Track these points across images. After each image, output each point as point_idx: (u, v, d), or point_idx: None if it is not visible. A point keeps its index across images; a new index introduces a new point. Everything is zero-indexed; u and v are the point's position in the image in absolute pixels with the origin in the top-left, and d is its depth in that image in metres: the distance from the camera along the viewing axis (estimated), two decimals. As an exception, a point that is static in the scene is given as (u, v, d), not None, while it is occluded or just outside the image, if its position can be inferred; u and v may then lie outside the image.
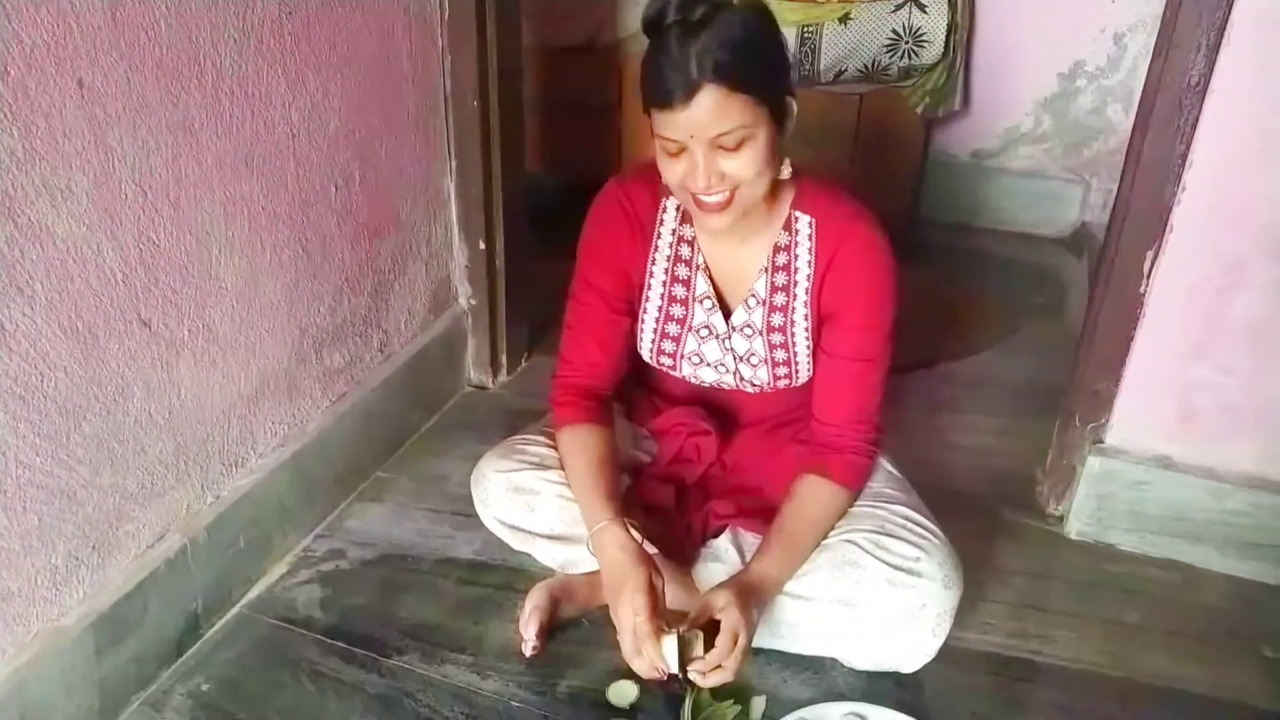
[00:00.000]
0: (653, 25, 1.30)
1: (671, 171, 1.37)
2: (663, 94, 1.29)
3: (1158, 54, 1.64)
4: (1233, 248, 1.64)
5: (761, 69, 1.32)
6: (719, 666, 1.36)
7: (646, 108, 1.34)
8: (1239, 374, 1.71)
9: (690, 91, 1.27)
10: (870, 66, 2.80)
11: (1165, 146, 1.63)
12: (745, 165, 1.34)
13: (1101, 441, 1.84)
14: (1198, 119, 1.59)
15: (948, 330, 2.66)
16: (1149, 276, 1.70)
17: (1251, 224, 1.61)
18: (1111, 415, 1.82)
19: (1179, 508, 1.80)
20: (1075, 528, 1.89)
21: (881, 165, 2.95)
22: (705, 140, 1.31)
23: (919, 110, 2.89)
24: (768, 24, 1.35)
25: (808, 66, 2.79)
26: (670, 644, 1.36)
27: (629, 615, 1.39)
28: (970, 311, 2.78)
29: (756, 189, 1.38)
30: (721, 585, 1.43)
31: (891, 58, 2.79)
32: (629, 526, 1.47)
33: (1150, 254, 1.69)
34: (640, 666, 1.39)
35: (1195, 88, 1.57)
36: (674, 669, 1.37)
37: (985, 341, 2.62)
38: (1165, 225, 1.66)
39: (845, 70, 2.81)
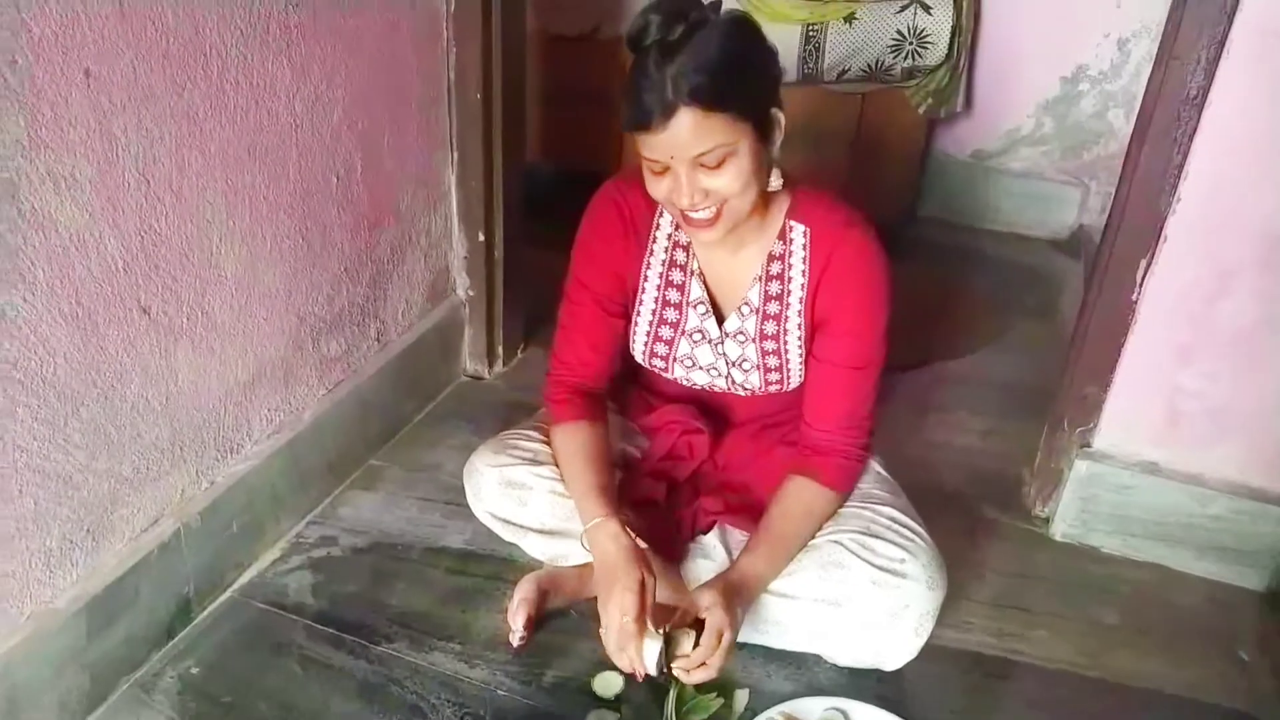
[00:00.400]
0: (634, 44, 1.31)
1: (657, 189, 1.39)
2: (641, 117, 1.31)
3: (1158, 65, 1.65)
4: (1224, 258, 1.66)
5: (740, 86, 1.32)
6: (704, 664, 1.39)
7: (627, 128, 1.35)
8: (1225, 381, 1.73)
9: (667, 114, 1.29)
10: (874, 66, 2.80)
11: (1162, 157, 1.64)
12: (729, 182, 1.35)
13: (1089, 445, 1.86)
14: (1195, 131, 1.60)
15: (942, 329, 2.67)
16: (1141, 284, 1.72)
17: (1244, 235, 1.63)
18: (1100, 420, 1.84)
19: (1162, 512, 1.82)
20: (1060, 529, 1.92)
21: (883, 163, 2.96)
22: (686, 160, 1.32)
23: (921, 110, 2.90)
24: (749, 38, 1.36)
25: (812, 65, 2.80)
26: (652, 647, 1.39)
27: (617, 614, 1.41)
28: (965, 311, 2.80)
29: (743, 204, 1.39)
30: (707, 584, 1.45)
31: (895, 58, 2.79)
32: (624, 524, 1.49)
33: (1144, 262, 1.71)
34: (622, 663, 1.42)
35: (1194, 100, 1.59)
36: (653, 671, 1.39)
37: (978, 341, 2.64)
38: (1160, 235, 1.68)
39: (849, 70, 2.81)
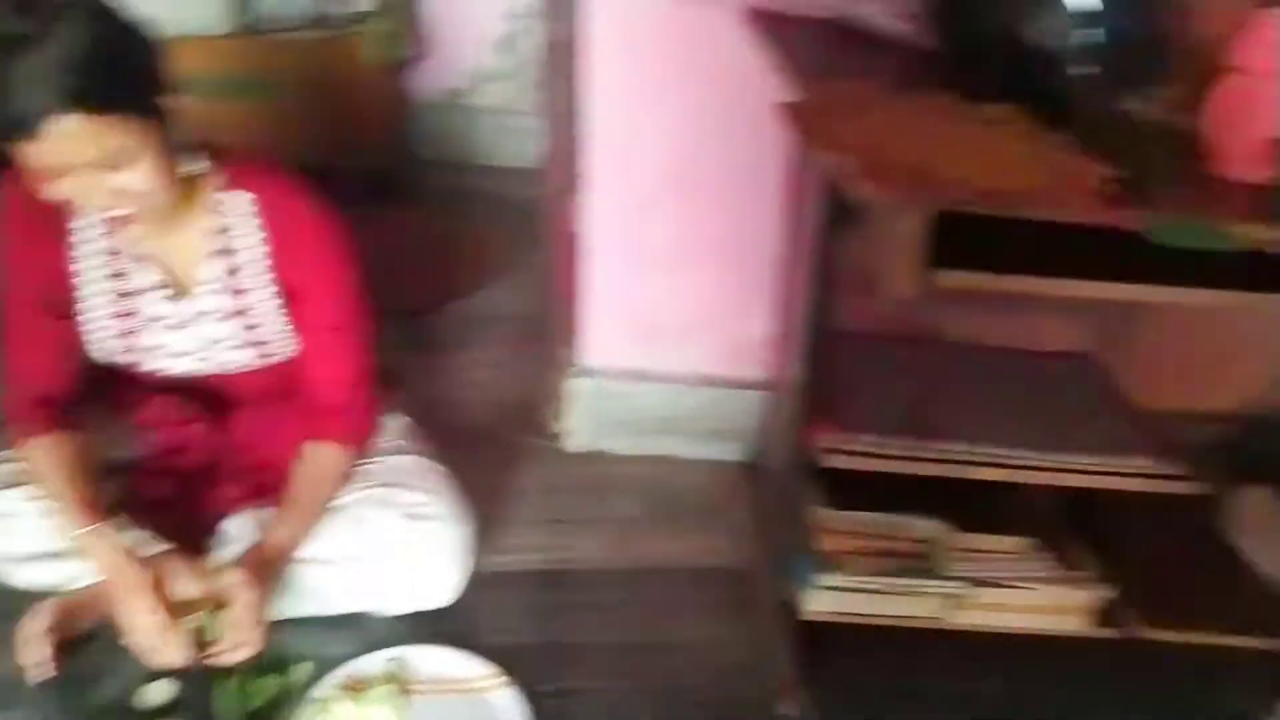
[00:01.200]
0: None
1: (58, 193, 1.24)
2: (13, 126, 1.13)
3: (547, 17, 1.80)
4: (640, 187, 1.86)
5: (122, 80, 1.20)
6: (242, 643, 1.39)
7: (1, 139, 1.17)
8: (673, 292, 1.97)
9: (45, 123, 1.13)
10: (309, 14, 2.77)
11: (564, 97, 1.79)
12: (139, 179, 1.26)
13: (579, 363, 2.04)
14: (573, 74, 1.75)
15: (450, 270, 2.75)
16: (577, 217, 1.89)
17: (653, 163, 1.83)
18: (582, 339, 2.02)
19: (653, 410, 2.06)
20: (574, 442, 2.10)
21: (357, 111, 2.92)
22: (81, 166, 1.20)
23: (371, 59, 2.87)
24: (118, 24, 1.23)
25: (248, 16, 2.71)
26: (192, 626, 1.39)
27: (141, 614, 1.37)
28: (468, 249, 2.89)
29: (160, 195, 1.31)
30: (231, 564, 1.45)
31: (327, 4, 2.78)
32: (113, 528, 1.43)
33: (575, 197, 1.87)
34: (169, 659, 1.38)
35: (569, 46, 1.74)
36: (202, 650, 1.39)
37: (485, 277, 2.74)
38: (580, 171, 1.84)
39: (285, 19, 2.75)
